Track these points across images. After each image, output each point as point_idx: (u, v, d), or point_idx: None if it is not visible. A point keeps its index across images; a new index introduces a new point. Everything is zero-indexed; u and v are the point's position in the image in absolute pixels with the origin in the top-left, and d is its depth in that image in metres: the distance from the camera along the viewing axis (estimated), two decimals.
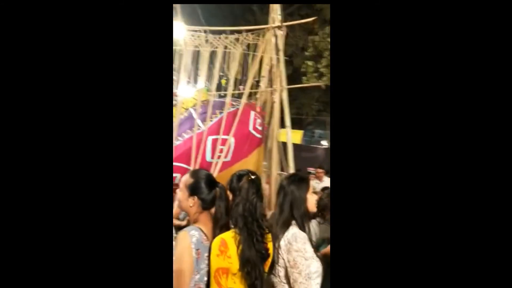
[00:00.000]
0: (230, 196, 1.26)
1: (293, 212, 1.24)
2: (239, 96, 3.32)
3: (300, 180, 1.31)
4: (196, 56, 2.47)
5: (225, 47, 2.44)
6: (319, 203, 1.75)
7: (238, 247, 1.17)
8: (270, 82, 2.65)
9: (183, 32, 2.33)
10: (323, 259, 1.28)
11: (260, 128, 2.82)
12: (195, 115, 2.77)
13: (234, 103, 2.87)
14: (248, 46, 2.46)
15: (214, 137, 2.50)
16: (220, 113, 2.67)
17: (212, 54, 2.43)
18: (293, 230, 1.21)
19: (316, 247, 1.58)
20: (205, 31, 2.43)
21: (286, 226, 1.22)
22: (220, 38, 2.44)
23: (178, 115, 2.37)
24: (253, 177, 1.29)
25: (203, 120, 2.73)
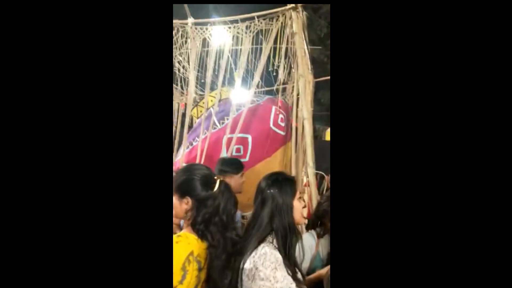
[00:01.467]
0: (189, 203, 1.01)
1: (272, 224, 0.96)
2: (263, 91, 3.09)
3: (283, 181, 1.02)
4: (207, 51, 2.32)
5: (235, 37, 2.24)
6: (318, 208, 1.39)
7: (209, 262, 0.96)
8: (292, 71, 2.36)
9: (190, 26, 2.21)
10: (313, 285, 0.96)
11: (282, 124, 2.54)
12: (213, 114, 2.64)
13: (254, 98, 2.66)
14: (261, 33, 2.21)
15: (229, 135, 2.31)
16: (238, 110, 2.48)
17: (221, 47, 2.25)
18: (264, 249, 0.92)
19: (310, 270, 1.24)
20: (213, 23, 2.27)
21: (258, 241, 0.94)
22: (229, 28, 2.25)
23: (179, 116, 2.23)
24: (222, 178, 1.07)
25: (220, 119, 2.57)
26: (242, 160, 2.42)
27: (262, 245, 0.93)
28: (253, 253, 0.92)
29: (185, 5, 2.14)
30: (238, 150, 2.36)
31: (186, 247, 0.95)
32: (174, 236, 0.98)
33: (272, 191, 0.99)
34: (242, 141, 2.36)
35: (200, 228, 0.98)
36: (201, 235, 0.98)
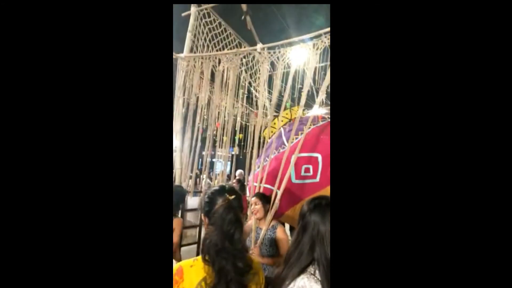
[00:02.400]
0: (205, 222, 0.99)
1: (313, 253, 0.86)
2: None
3: (326, 206, 0.91)
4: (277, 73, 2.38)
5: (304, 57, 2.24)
6: None
7: None
8: None
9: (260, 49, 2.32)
10: None
11: None
12: (283, 134, 2.64)
13: (326, 116, 2.56)
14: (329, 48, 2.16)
15: (299, 155, 2.26)
16: (308, 128, 2.42)
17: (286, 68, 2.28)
18: (303, 280, 0.82)
19: None
20: (281, 46, 2.33)
21: (299, 271, 0.84)
22: (298, 48, 2.27)
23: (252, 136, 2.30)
24: (231, 197, 0.96)
25: (289, 138, 2.55)
26: (312, 181, 2.32)
27: (302, 276, 0.84)
28: (292, 284, 0.84)
29: (254, 32, 2.26)
30: (307, 170, 2.27)
31: (199, 272, 0.91)
32: (190, 260, 0.95)
33: (312, 216, 0.90)
34: (311, 161, 2.27)
35: (202, 250, 0.93)
36: (203, 258, 0.92)
